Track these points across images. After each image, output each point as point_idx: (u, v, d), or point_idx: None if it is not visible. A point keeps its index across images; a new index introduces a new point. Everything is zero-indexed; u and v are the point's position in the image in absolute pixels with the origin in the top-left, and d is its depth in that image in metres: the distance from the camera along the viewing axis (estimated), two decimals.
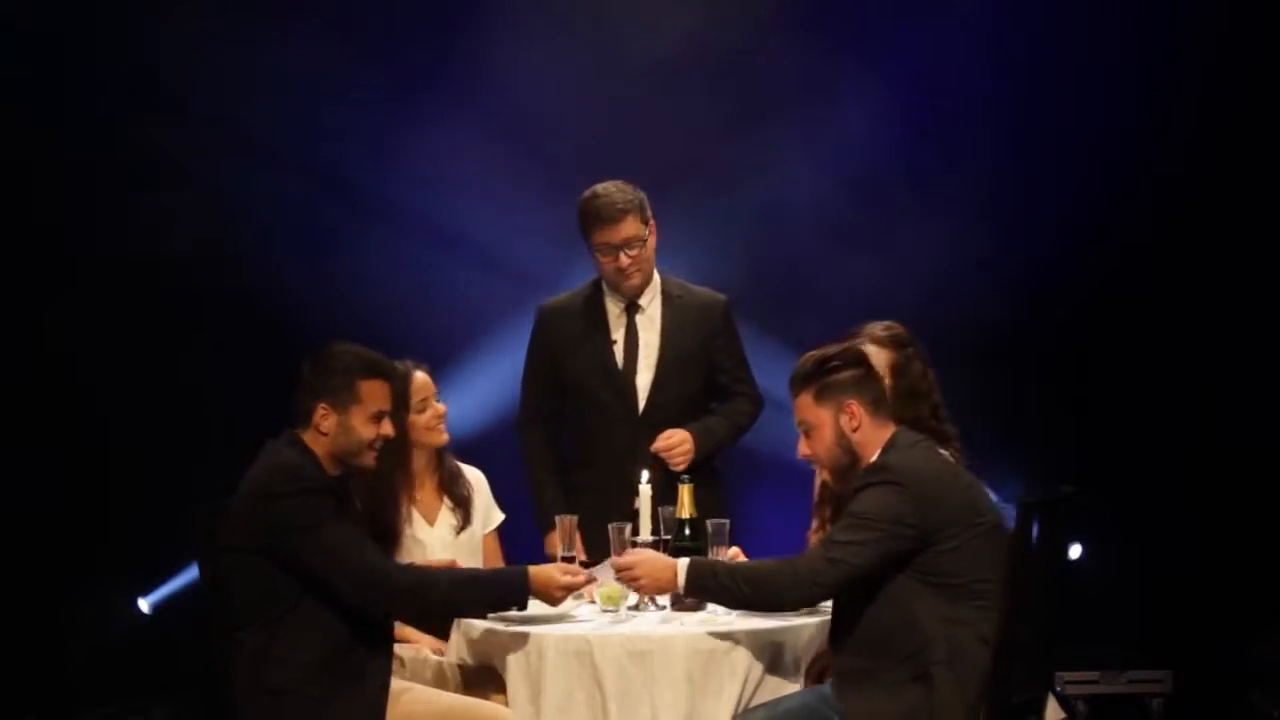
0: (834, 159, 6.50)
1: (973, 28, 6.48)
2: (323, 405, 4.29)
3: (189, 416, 6.26)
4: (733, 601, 4.23)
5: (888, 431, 4.21)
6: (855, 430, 4.18)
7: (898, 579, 4.06)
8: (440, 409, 5.00)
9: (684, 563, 4.23)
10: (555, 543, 4.78)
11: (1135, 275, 6.49)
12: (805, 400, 4.23)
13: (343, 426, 4.29)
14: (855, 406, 4.17)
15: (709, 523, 4.43)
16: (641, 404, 5.17)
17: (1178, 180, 6.48)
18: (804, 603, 4.20)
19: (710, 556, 4.41)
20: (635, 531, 4.47)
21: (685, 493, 4.46)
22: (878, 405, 4.20)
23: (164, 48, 6.38)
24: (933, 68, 6.51)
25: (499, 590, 4.30)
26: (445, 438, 5.02)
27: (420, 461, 5.01)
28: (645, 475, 4.58)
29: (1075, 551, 6.33)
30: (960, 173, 6.48)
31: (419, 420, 4.95)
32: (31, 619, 6.24)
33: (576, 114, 6.53)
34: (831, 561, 4.06)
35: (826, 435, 4.21)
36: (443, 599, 4.27)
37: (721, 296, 5.28)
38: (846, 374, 4.19)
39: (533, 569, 4.32)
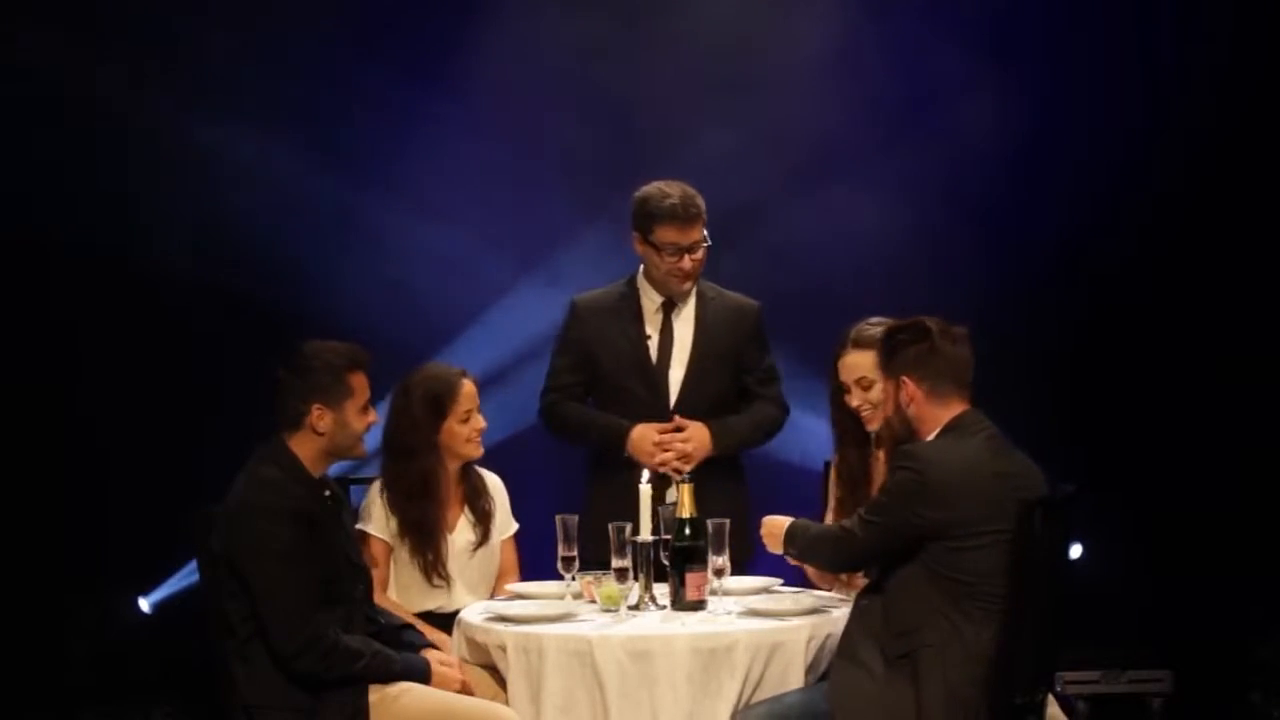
0: (834, 162, 6.51)
1: (977, 28, 6.49)
2: (317, 406, 4.32)
3: (189, 416, 6.24)
4: (799, 554, 4.38)
5: (950, 411, 4.20)
6: (909, 406, 4.22)
7: (910, 560, 4.10)
8: (481, 424, 4.97)
9: (789, 521, 4.38)
10: (639, 444, 5.02)
11: (1137, 275, 6.48)
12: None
13: (339, 422, 4.34)
14: (910, 385, 4.20)
15: (709, 523, 4.42)
16: (673, 399, 5.16)
17: (1180, 181, 6.47)
18: (841, 568, 4.47)
19: (710, 557, 4.41)
20: (635, 531, 4.47)
21: (685, 493, 4.45)
22: (936, 385, 4.20)
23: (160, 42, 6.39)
24: (933, 70, 6.51)
25: (404, 674, 4.34)
26: (480, 452, 5.00)
27: (450, 470, 4.99)
28: (645, 475, 4.59)
29: (1075, 551, 6.32)
30: (962, 175, 6.48)
31: (460, 430, 4.92)
32: (33, 619, 6.23)
33: (587, 117, 6.52)
34: (864, 528, 4.17)
35: (888, 403, 4.34)
36: (360, 671, 4.26)
37: (755, 302, 5.27)
38: (909, 349, 4.21)
39: (434, 669, 4.37)
